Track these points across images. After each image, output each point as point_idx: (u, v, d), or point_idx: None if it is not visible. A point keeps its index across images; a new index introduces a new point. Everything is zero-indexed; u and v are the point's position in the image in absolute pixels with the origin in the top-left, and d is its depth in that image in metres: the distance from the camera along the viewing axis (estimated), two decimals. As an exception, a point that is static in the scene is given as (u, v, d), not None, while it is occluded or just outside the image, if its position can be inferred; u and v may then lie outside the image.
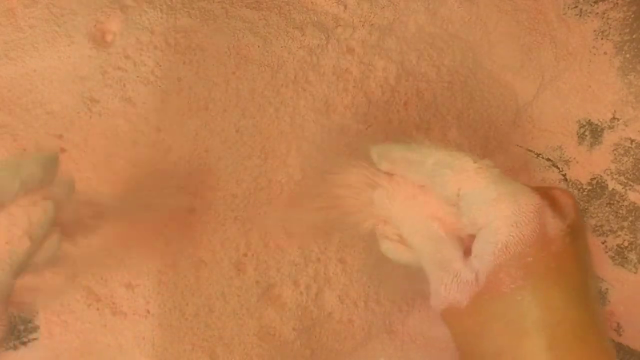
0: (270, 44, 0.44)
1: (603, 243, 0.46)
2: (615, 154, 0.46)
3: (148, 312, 0.43)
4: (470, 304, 0.28)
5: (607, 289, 0.45)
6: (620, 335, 0.44)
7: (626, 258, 0.45)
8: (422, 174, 0.31)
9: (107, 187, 0.42)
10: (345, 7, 0.45)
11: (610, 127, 0.47)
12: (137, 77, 0.43)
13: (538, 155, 0.46)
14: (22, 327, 0.41)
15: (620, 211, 0.46)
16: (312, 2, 0.45)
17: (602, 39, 0.47)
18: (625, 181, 0.46)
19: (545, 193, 0.29)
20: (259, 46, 0.43)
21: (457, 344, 0.30)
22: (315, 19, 0.45)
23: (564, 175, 0.46)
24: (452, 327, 0.30)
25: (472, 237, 0.29)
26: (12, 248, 0.30)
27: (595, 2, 0.47)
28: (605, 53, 0.47)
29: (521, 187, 0.29)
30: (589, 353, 0.26)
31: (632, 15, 0.47)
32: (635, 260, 0.45)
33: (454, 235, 0.30)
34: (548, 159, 0.47)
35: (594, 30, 0.47)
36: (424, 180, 0.31)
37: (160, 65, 0.43)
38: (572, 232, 0.28)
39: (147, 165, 0.42)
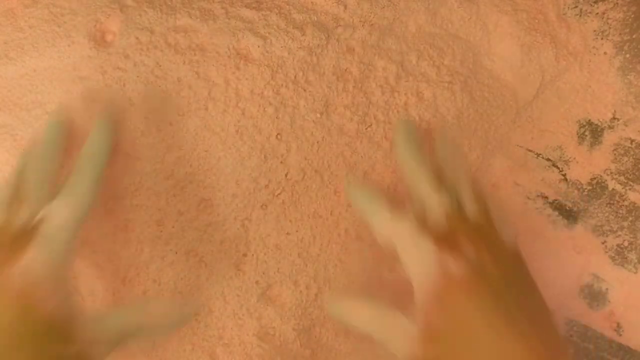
0: (271, 44, 0.44)
1: (603, 243, 0.46)
2: (615, 154, 0.46)
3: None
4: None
5: (607, 289, 0.45)
6: (620, 335, 0.44)
7: (626, 258, 0.45)
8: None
9: (105, 186, 0.42)
10: (345, 7, 0.45)
11: (610, 127, 0.47)
12: (137, 77, 0.43)
13: (538, 155, 0.46)
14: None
15: (620, 211, 0.46)
16: (312, 2, 0.45)
17: (602, 39, 0.47)
18: (625, 181, 0.46)
19: (446, 240, 0.34)
20: (259, 46, 0.43)
21: None
22: (315, 18, 0.45)
23: (564, 175, 0.46)
24: None
25: None
26: None
27: (595, 2, 0.47)
28: (605, 53, 0.47)
29: (423, 246, 0.34)
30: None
31: (632, 15, 0.47)
32: (635, 260, 0.45)
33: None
34: (548, 159, 0.47)
35: (594, 30, 0.47)
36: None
37: (160, 65, 0.43)
38: (477, 266, 0.33)
39: (146, 165, 0.42)
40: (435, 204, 0.36)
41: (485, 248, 0.34)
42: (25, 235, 0.34)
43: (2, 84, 0.44)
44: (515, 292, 0.33)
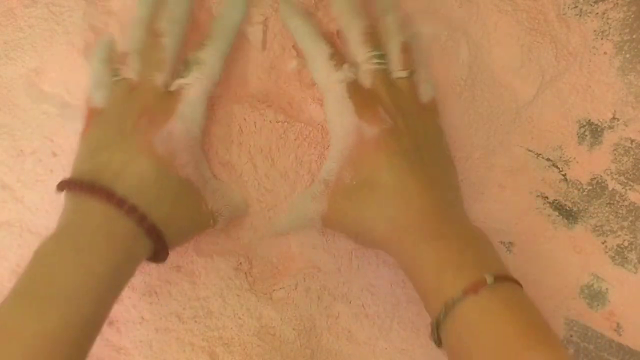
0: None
1: (603, 243, 0.46)
2: (615, 154, 0.46)
3: (142, 318, 0.43)
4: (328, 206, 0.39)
5: (607, 289, 0.45)
6: (620, 335, 0.44)
7: (626, 258, 0.45)
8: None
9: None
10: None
11: (610, 127, 0.47)
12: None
13: (538, 155, 0.46)
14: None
15: (620, 211, 0.46)
16: None
17: (602, 39, 0.47)
18: (625, 181, 0.46)
19: (366, 105, 0.38)
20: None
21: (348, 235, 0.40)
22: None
23: (564, 175, 0.46)
24: (333, 228, 0.40)
25: None
26: None
27: (595, 2, 0.47)
28: (605, 53, 0.47)
29: (347, 106, 0.38)
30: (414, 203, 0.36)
31: (632, 15, 0.47)
32: (635, 260, 0.45)
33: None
34: (548, 159, 0.47)
35: (594, 30, 0.47)
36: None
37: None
38: (386, 132, 0.37)
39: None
40: (364, 61, 0.39)
41: (400, 111, 0.38)
42: (167, 99, 0.38)
43: (2, 83, 0.44)
44: (422, 150, 0.38)
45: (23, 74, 0.43)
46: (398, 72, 0.40)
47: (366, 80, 0.39)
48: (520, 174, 0.46)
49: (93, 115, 0.39)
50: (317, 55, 0.40)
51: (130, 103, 0.37)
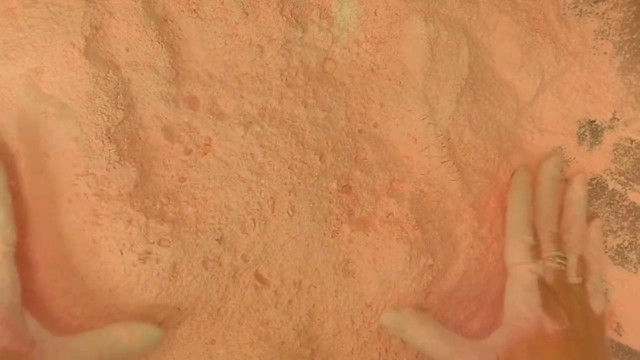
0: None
1: (603, 243, 0.46)
2: (615, 154, 0.46)
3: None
4: None
5: (607, 289, 0.45)
6: (620, 335, 0.44)
7: (626, 258, 0.45)
8: None
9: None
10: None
11: (610, 127, 0.47)
12: (137, 77, 0.43)
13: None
14: None
15: (620, 211, 0.46)
16: None
17: (602, 39, 0.47)
18: (625, 181, 0.46)
19: (549, 301, 0.40)
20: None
21: None
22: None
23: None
24: None
25: None
26: None
27: (595, 2, 0.47)
28: (605, 53, 0.47)
29: (534, 297, 0.41)
30: None
31: (632, 15, 0.47)
32: (635, 260, 0.45)
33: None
34: (548, 159, 0.47)
35: (594, 30, 0.47)
36: None
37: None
38: (567, 334, 0.39)
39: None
40: (548, 258, 0.42)
41: (579, 315, 0.41)
42: None
43: (2, 83, 0.44)
44: (597, 356, 0.41)
45: (23, 74, 0.43)
46: (573, 277, 0.43)
47: (548, 276, 0.42)
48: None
49: None
50: (521, 242, 0.43)
51: None
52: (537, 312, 0.40)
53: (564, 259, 0.43)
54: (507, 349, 0.40)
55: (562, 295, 0.41)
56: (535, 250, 0.42)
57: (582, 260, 0.43)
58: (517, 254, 0.42)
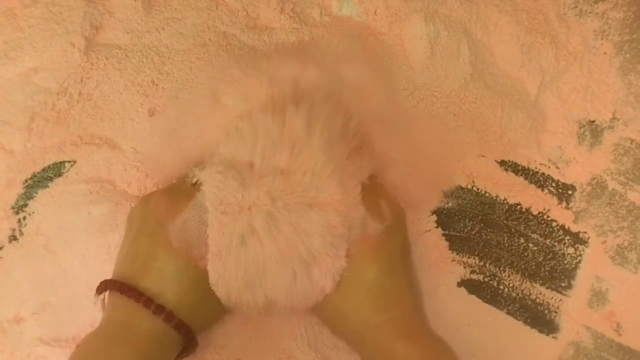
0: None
1: (603, 243, 0.46)
2: (615, 154, 0.46)
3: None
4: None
5: (607, 289, 0.45)
6: (620, 335, 0.44)
7: (626, 258, 0.45)
8: None
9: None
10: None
11: (610, 127, 0.47)
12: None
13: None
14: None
15: (620, 211, 0.46)
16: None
17: (602, 39, 0.47)
18: (625, 181, 0.46)
19: (374, 203, 0.39)
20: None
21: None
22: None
23: (564, 175, 0.46)
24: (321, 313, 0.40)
25: None
26: None
27: (595, 2, 0.47)
28: (605, 53, 0.47)
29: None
30: (394, 302, 0.38)
31: (632, 15, 0.47)
32: (635, 260, 0.45)
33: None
34: (548, 159, 0.47)
35: (594, 30, 0.47)
36: None
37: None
38: (387, 231, 0.39)
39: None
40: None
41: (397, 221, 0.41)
42: (187, 189, 0.38)
43: (2, 84, 0.44)
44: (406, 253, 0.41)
45: (22, 74, 0.43)
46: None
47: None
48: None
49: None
50: None
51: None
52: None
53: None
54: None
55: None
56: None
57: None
58: None
